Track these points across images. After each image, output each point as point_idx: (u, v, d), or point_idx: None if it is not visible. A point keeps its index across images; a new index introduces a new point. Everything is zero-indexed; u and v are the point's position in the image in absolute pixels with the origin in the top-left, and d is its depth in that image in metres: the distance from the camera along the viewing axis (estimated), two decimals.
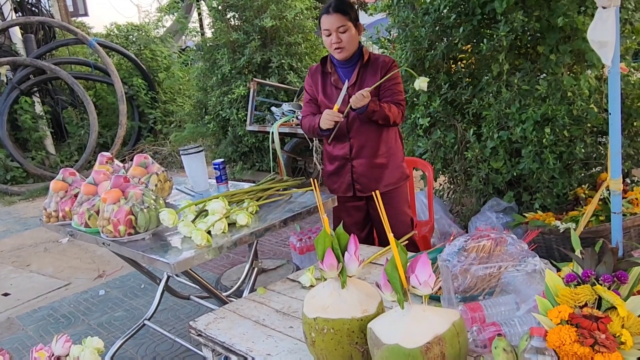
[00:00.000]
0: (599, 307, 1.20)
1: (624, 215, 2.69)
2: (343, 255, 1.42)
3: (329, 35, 2.53)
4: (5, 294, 4.18)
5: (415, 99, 3.85)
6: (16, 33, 8.56)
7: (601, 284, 1.22)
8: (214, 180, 2.79)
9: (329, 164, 2.80)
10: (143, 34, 9.63)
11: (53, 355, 2.00)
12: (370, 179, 2.71)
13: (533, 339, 1.13)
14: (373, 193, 1.40)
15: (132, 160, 2.70)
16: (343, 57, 2.59)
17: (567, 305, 1.19)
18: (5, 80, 8.58)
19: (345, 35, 2.52)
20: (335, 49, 2.55)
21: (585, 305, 1.19)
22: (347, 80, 2.59)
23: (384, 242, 2.82)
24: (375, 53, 2.75)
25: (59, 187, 2.50)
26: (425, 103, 3.76)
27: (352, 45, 2.57)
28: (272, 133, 5.01)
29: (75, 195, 2.46)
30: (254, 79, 5.79)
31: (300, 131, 4.99)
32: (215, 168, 2.75)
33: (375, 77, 2.61)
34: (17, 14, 8.84)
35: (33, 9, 9.03)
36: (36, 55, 8.34)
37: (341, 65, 2.66)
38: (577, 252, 1.38)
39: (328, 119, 2.53)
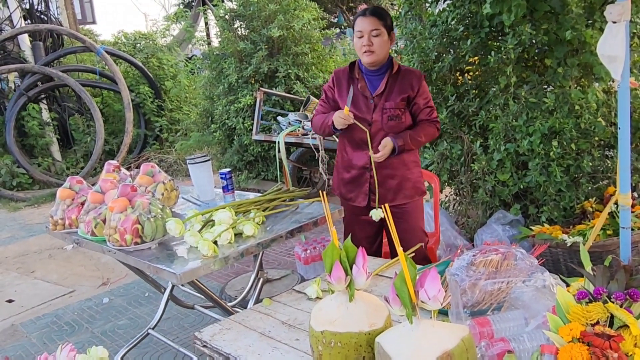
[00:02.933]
0: (610, 325, 1.19)
1: (632, 229, 2.67)
2: (351, 268, 1.41)
3: (361, 37, 2.51)
4: (10, 301, 4.18)
5: None
6: (25, 40, 8.63)
7: (613, 302, 1.20)
8: (220, 190, 2.79)
9: (345, 172, 2.76)
10: (150, 42, 9.68)
11: None
12: (387, 190, 2.68)
13: (544, 356, 1.12)
14: (382, 207, 1.39)
15: (137, 167, 2.70)
16: (371, 62, 2.56)
17: (578, 322, 1.18)
18: (13, 87, 8.64)
19: (377, 39, 2.51)
20: (365, 52, 2.53)
21: (597, 323, 1.18)
22: (351, 88, 2.58)
23: (396, 256, 2.80)
24: (405, 65, 2.74)
25: (65, 195, 2.51)
26: None
27: (382, 51, 2.55)
28: (278, 142, 5.01)
29: (82, 204, 2.47)
30: (261, 88, 5.81)
31: (306, 141, 4.99)
32: (222, 178, 2.75)
33: (404, 90, 2.60)
34: (26, 22, 8.90)
35: (42, 16, 9.09)
36: (44, 62, 8.39)
37: (369, 73, 2.64)
38: (588, 268, 1.37)
39: (341, 121, 2.55)
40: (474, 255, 1.69)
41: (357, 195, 2.72)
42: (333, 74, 2.76)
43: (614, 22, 2.09)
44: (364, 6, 15.63)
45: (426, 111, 2.65)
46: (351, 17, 15.11)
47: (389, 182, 2.69)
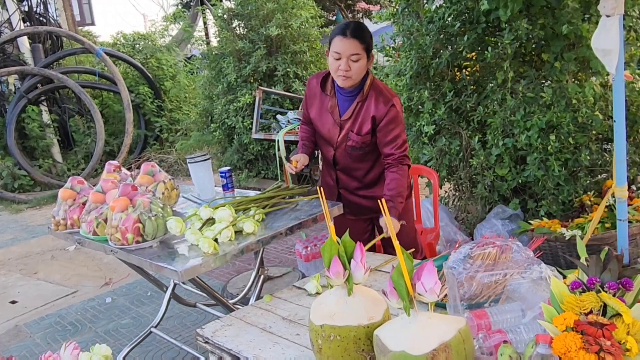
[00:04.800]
0: (604, 314, 1.21)
1: (629, 222, 2.69)
2: (349, 263, 1.43)
3: (339, 59, 2.31)
4: (13, 302, 4.20)
5: (420, 107, 3.87)
6: (24, 43, 8.64)
7: (606, 291, 1.22)
8: (220, 188, 2.81)
9: (325, 181, 2.78)
10: (149, 42, 9.68)
11: None
12: (358, 206, 2.66)
13: (539, 345, 1.14)
14: (380, 202, 1.41)
15: (138, 168, 2.73)
16: (346, 86, 2.40)
17: (572, 312, 1.20)
18: (13, 89, 8.66)
19: (357, 64, 2.31)
20: (341, 76, 2.34)
21: (591, 312, 1.20)
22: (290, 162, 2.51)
23: (389, 254, 2.81)
24: (381, 83, 2.49)
25: (67, 195, 2.53)
26: (430, 111, 3.77)
27: (359, 76, 2.37)
28: (278, 141, 5.03)
29: (84, 204, 2.49)
30: (260, 87, 5.82)
31: None
32: (222, 176, 2.77)
33: (370, 115, 2.42)
34: (25, 24, 8.92)
35: (41, 18, 9.10)
36: (44, 64, 8.41)
37: (342, 92, 2.46)
38: (582, 260, 1.39)
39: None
40: (471, 249, 1.71)
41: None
42: (308, 83, 2.59)
43: (608, 16, 2.10)
44: (362, 4, 15.61)
45: (390, 147, 2.42)
46: (350, 15, 15.11)
47: (362, 200, 2.64)
